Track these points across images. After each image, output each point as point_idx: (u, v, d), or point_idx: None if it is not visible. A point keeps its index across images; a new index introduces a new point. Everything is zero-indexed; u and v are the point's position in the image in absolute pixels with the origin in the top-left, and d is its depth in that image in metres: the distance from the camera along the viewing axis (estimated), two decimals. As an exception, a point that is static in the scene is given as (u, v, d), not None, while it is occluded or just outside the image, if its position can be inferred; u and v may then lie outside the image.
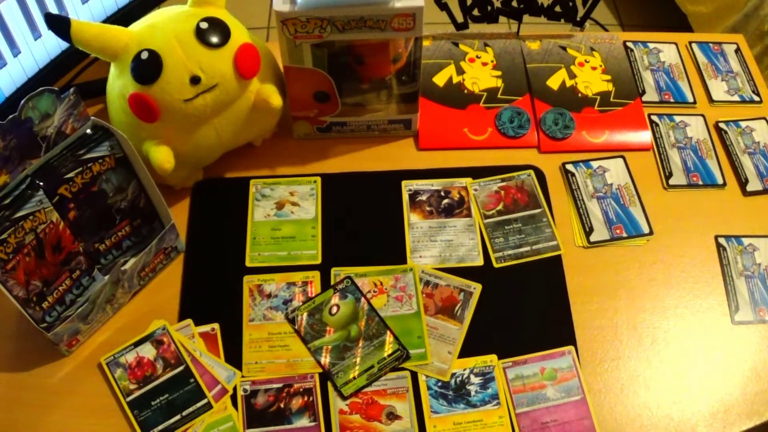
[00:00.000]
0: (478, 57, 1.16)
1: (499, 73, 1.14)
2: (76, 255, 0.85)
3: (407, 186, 1.02)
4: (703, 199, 1.02)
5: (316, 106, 1.00)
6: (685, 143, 1.08)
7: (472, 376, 0.86)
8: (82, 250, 0.85)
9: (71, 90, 0.77)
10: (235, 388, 0.85)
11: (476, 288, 0.93)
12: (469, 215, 0.99)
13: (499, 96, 1.11)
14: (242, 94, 0.92)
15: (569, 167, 1.04)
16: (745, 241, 0.98)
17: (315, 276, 0.93)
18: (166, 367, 0.86)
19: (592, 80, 1.13)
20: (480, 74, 1.13)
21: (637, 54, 1.18)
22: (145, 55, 0.84)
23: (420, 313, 0.90)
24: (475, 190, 1.02)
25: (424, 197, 1.01)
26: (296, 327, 0.89)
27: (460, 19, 1.13)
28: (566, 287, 0.93)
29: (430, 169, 1.03)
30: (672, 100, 1.13)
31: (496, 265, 0.95)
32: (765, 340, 0.91)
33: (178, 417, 0.83)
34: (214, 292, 0.92)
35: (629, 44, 1.19)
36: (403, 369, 0.87)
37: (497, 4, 1.13)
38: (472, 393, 0.85)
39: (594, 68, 1.15)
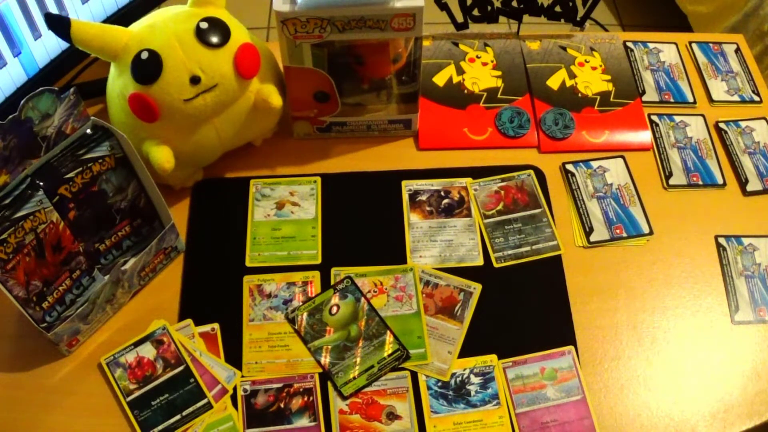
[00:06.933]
0: (478, 57, 1.16)
1: (499, 73, 1.14)
2: (76, 255, 0.85)
3: (407, 186, 1.02)
4: (703, 199, 1.02)
5: (316, 106, 1.00)
6: (685, 143, 1.08)
7: (472, 376, 0.86)
8: (82, 250, 0.85)
9: (71, 90, 0.77)
10: (235, 388, 0.85)
11: (476, 288, 0.93)
12: (469, 215, 0.99)
13: (499, 96, 1.11)
14: (242, 94, 0.92)
15: (569, 167, 1.04)
16: (745, 241, 0.98)
17: (315, 276, 0.93)
18: (166, 367, 0.86)
19: (592, 80, 1.13)
20: (480, 74, 1.13)
21: (637, 54, 1.18)
22: (145, 55, 0.84)
23: (420, 313, 0.90)
24: (475, 190, 1.02)
25: (424, 197, 1.01)
26: (296, 327, 0.89)
27: (460, 19, 1.13)
28: (566, 287, 0.93)
29: (430, 169, 1.03)
30: (672, 100, 1.13)
31: (496, 265, 0.95)
32: (765, 340, 0.91)
33: (178, 417, 0.83)
34: (214, 292, 0.92)
35: (629, 44, 1.19)
36: (403, 369, 0.87)
37: (497, 4, 1.13)
38: (472, 393, 0.85)
39: (594, 68, 1.15)
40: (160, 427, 0.82)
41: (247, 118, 0.95)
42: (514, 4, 1.13)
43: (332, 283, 0.93)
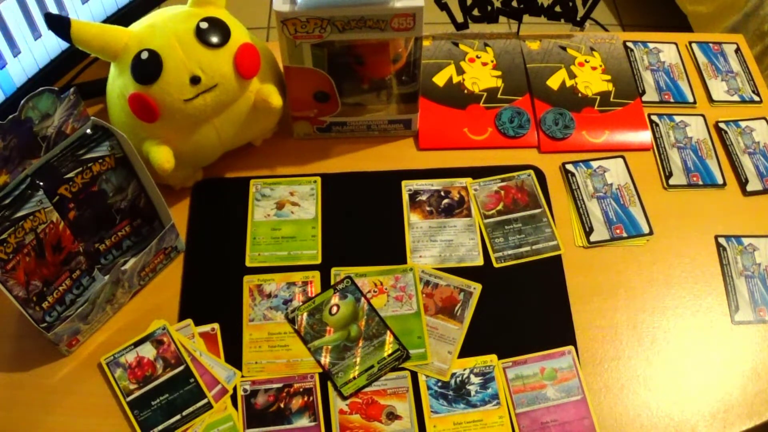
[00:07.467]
0: (478, 57, 1.16)
1: (499, 73, 1.14)
2: (76, 255, 0.85)
3: (407, 186, 1.02)
4: (703, 199, 1.03)
5: (316, 106, 1.00)
6: (685, 143, 1.08)
7: (472, 376, 0.86)
8: (82, 250, 0.85)
9: (71, 90, 0.77)
10: (235, 388, 0.85)
11: (476, 288, 0.93)
12: (469, 215, 0.99)
13: (499, 96, 1.11)
14: (242, 94, 0.92)
15: (569, 167, 1.04)
16: (745, 241, 0.98)
17: (315, 276, 0.93)
18: (166, 367, 0.86)
19: (592, 80, 1.13)
20: (480, 74, 1.13)
21: (637, 54, 1.18)
22: (145, 55, 0.84)
23: (420, 313, 0.90)
24: (475, 190, 1.02)
25: (424, 197, 1.01)
26: (296, 327, 0.89)
27: (460, 19, 1.13)
28: (566, 287, 0.93)
29: (430, 169, 1.03)
30: (672, 100, 1.13)
31: (496, 265, 0.95)
32: (765, 340, 0.91)
33: (178, 417, 0.83)
34: (214, 292, 0.92)
35: (629, 44, 1.19)
36: (403, 369, 0.87)
37: (497, 4, 1.13)
38: (472, 393, 0.85)
39: (594, 68, 1.15)
40: (160, 427, 0.82)
41: (247, 118, 0.95)
42: (514, 4, 1.13)
43: (332, 283, 0.93)
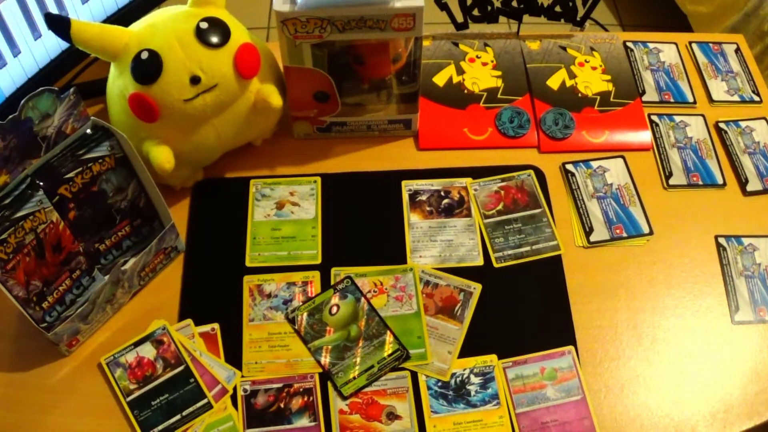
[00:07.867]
0: (478, 57, 1.16)
1: (499, 73, 1.14)
2: (76, 255, 0.85)
3: (407, 186, 1.02)
4: (703, 199, 1.02)
5: (316, 106, 1.00)
6: (685, 143, 1.08)
7: (472, 376, 0.86)
8: (82, 250, 0.86)
9: (71, 90, 0.77)
10: (235, 388, 0.85)
11: (476, 288, 0.93)
12: (469, 215, 0.99)
13: (499, 96, 1.11)
14: (242, 94, 0.92)
15: (569, 167, 1.04)
16: (745, 241, 0.98)
17: (315, 276, 0.93)
18: (166, 367, 0.86)
19: (592, 80, 1.13)
20: (480, 74, 1.13)
21: (637, 54, 1.18)
22: (145, 55, 0.84)
23: (420, 313, 0.90)
24: (475, 190, 1.02)
25: (424, 197, 1.01)
26: (296, 327, 0.89)
27: (460, 19, 1.13)
28: (566, 287, 0.93)
29: (430, 169, 1.03)
30: (672, 100, 1.13)
31: (496, 265, 0.95)
32: (765, 340, 0.91)
33: (178, 417, 0.83)
34: (214, 292, 0.92)
35: (629, 44, 1.19)
36: (403, 369, 0.87)
37: (497, 4, 1.13)
38: (472, 393, 0.85)
39: (594, 68, 1.15)
40: (160, 427, 0.82)
41: (247, 118, 0.95)
42: (514, 4, 1.13)
43: (332, 283, 0.93)
